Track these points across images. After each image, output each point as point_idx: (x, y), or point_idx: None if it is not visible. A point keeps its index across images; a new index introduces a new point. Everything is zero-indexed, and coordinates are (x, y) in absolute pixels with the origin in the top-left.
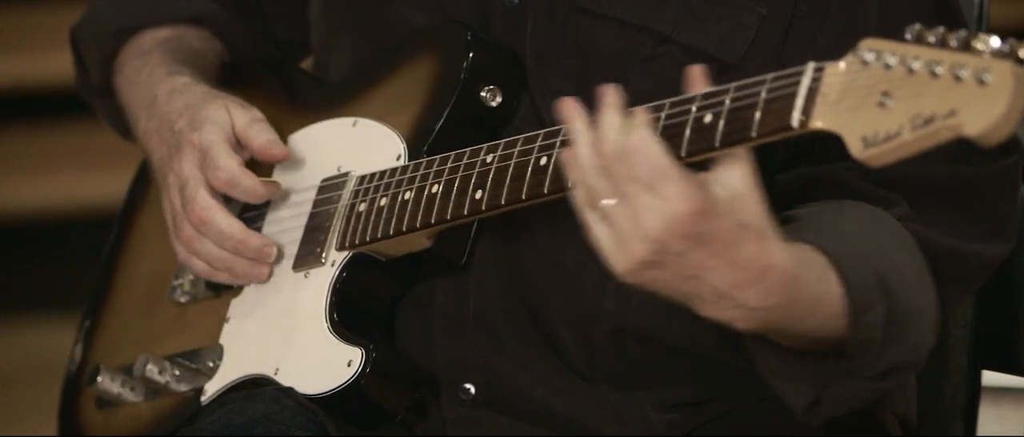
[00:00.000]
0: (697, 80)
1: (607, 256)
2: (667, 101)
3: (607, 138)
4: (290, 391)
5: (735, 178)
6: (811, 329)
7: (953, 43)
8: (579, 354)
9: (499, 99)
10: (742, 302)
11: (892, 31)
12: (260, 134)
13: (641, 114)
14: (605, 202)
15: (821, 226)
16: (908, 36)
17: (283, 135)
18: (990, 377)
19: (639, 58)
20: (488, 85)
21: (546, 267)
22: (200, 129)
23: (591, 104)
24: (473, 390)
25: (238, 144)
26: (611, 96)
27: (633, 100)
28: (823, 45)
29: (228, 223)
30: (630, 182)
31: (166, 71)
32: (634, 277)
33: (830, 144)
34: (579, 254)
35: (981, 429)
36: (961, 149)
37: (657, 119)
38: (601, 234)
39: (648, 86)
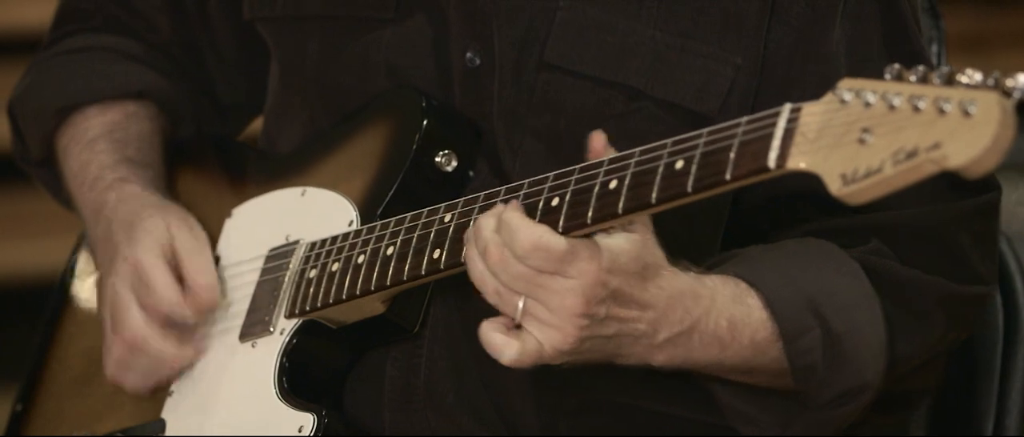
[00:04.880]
0: (598, 148)
1: (542, 346)
2: (637, 150)
3: (492, 251)
4: None
5: (624, 231)
6: (743, 359)
7: (936, 80)
8: (538, 422)
9: (454, 163)
10: (657, 338)
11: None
12: (200, 273)
13: (510, 209)
14: (522, 303)
15: (752, 257)
16: (888, 76)
17: (227, 211)
18: None
19: (612, 115)
20: (443, 150)
21: None
22: (136, 244)
23: (563, 163)
24: None
25: (173, 262)
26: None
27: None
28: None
29: (162, 347)
30: (537, 276)
31: (114, 176)
32: (572, 356)
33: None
34: None
35: None
36: (930, 187)
37: (624, 175)
38: (530, 331)
39: (622, 143)
